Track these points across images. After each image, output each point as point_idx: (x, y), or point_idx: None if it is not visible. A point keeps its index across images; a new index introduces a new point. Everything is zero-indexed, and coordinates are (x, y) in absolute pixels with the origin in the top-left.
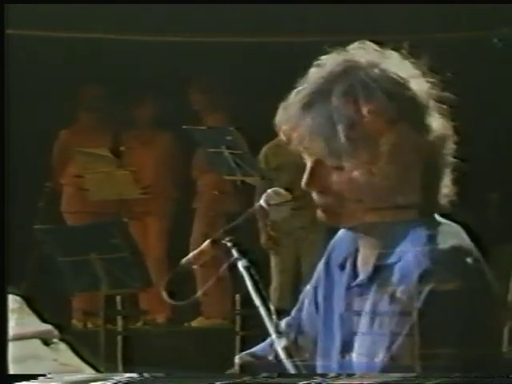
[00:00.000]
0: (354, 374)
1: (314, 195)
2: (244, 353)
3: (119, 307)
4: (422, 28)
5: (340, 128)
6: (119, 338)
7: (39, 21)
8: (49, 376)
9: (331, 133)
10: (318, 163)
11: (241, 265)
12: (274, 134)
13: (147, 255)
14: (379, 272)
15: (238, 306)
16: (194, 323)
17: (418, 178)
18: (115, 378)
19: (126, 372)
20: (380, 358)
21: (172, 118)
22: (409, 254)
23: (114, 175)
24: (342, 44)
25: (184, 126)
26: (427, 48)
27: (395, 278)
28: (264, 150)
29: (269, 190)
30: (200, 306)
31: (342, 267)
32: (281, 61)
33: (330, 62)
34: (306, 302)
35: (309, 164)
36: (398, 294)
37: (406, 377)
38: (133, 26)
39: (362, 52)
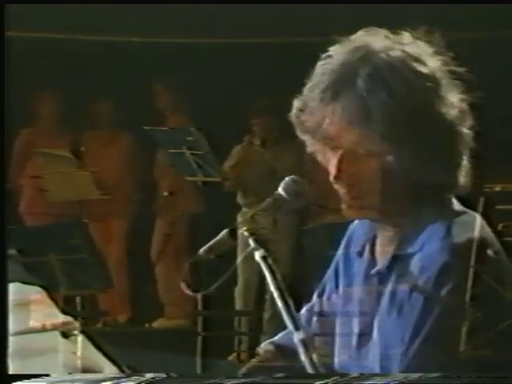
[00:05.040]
0: (375, 375)
1: (341, 189)
2: (267, 341)
3: (79, 308)
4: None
5: (375, 111)
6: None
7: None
8: (67, 375)
9: (366, 117)
10: (346, 154)
11: (258, 255)
12: (237, 135)
13: (108, 256)
14: (398, 261)
15: (199, 307)
16: (155, 324)
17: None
18: (139, 377)
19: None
20: (399, 349)
21: (133, 119)
22: (429, 246)
23: (74, 176)
24: (349, 34)
25: (145, 127)
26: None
27: (415, 268)
28: (236, 149)
29: (286, 178)
30: (161, 307)
31: (360, 254)
32: (243, 62)
33: (339, 52)
34: (328, 287)
35: (336, 157)
36: (420, 284)
37: (426, 376)
38: (96, 26)
39: (374, 38)
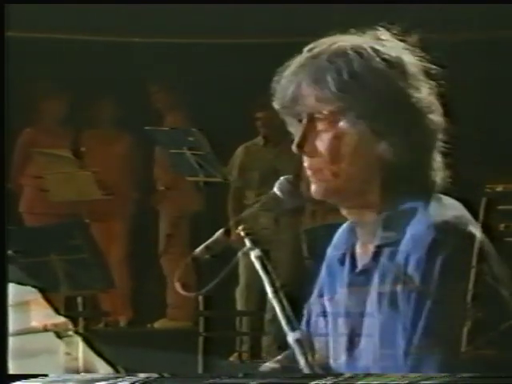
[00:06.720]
0: (370, 375)
1: (305, 161)
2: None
3: (80, 308)
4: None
5: (329, 75)
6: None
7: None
8: (61, 375)
9: (323, 80)
10: (310, 123)
11: (253, 255)
12: (237, 135)
13: (109, 256)
14: (381, 252)
15: (201, 307)
16: (157, 324)
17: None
18: (132, 377)
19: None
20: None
21: (134, 119)
22: (411, 228)
23: (76, 176)
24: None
25: (146, 127)
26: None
27: (402, 254)
28: (239, 149)
29: (281, 178)
30: (163, 307)
31: (342, 262)
32: (244, 62)
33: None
34: (314, 314)
35: (302, 126)
36: (410, 271)
37: (424, 377)
38: (95, 26)
39: (354, 36)
